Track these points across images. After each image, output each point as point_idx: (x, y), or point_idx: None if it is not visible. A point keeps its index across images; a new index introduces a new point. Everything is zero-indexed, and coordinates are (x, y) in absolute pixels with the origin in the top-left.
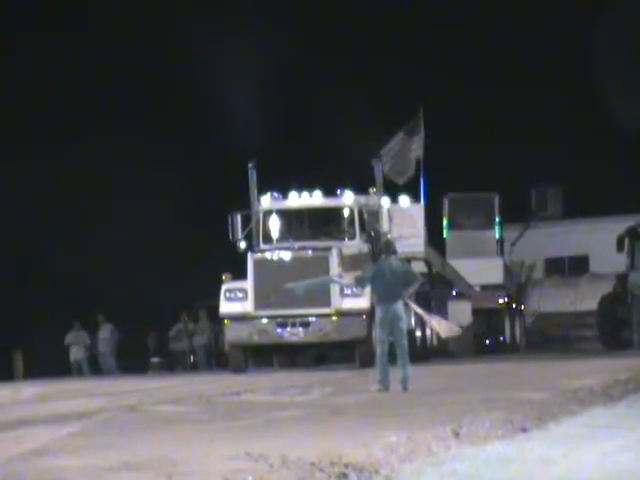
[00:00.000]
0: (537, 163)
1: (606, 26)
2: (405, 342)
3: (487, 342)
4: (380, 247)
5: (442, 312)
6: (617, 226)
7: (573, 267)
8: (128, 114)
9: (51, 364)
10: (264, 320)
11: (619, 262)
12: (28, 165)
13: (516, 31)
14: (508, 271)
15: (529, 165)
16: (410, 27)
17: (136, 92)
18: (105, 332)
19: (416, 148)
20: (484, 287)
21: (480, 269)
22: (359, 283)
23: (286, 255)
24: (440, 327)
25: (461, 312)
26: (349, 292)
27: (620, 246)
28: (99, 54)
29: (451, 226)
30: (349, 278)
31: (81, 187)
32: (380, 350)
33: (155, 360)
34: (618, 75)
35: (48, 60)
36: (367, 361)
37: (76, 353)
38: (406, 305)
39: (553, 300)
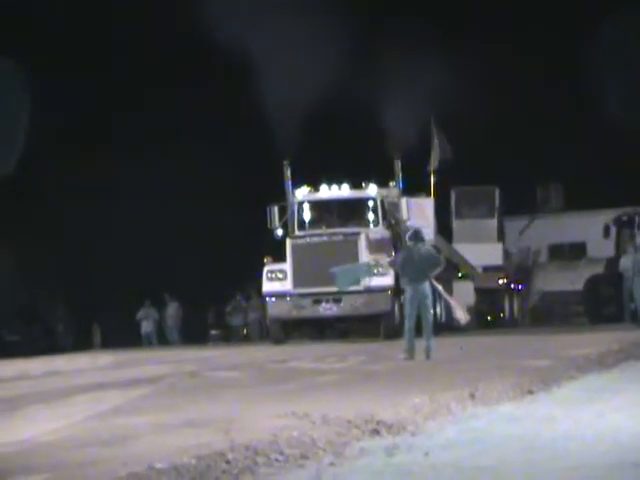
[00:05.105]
0: (542, 162)
1: (608, 24)
2: (430, 317)
3: (488, 318)
4: (408, 235)
5: (448, 291)
6: (610, 217)
7: (572, 252)
8: (179, 109)
9: (125, 336)
10: (301, 297)
11: (611, 248)
12: (97, 166)
13: (518, 30)
14: (507, 254)
15: (535, 164)
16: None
17: (184, 88)
18: (171, 309)
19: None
20: (486, 268)
21: (482, 253)
22: (393, 266)
23: (320, 240)
24: (461, 314)
25: (464, 291)
26: (376, 271)
27: (606, 233)
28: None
29: (457, 215)
30: (383, 260)
31: (146, 173)
32: (408, 324)
33: (214, 333)
34: (618, 75)
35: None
36: (391, 333)
37: (146, 327)
38: (431, 285)
39: (555, 281)
